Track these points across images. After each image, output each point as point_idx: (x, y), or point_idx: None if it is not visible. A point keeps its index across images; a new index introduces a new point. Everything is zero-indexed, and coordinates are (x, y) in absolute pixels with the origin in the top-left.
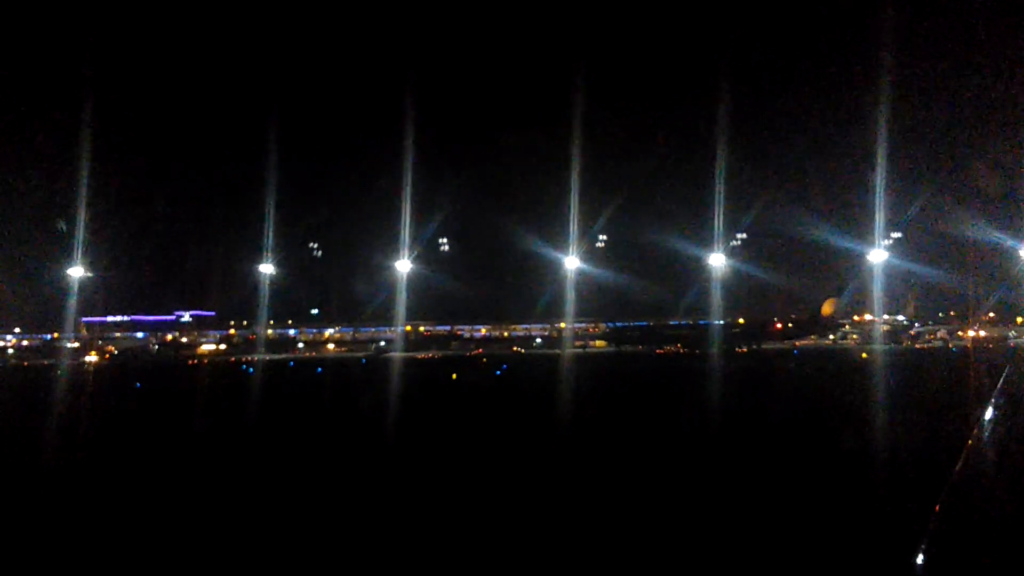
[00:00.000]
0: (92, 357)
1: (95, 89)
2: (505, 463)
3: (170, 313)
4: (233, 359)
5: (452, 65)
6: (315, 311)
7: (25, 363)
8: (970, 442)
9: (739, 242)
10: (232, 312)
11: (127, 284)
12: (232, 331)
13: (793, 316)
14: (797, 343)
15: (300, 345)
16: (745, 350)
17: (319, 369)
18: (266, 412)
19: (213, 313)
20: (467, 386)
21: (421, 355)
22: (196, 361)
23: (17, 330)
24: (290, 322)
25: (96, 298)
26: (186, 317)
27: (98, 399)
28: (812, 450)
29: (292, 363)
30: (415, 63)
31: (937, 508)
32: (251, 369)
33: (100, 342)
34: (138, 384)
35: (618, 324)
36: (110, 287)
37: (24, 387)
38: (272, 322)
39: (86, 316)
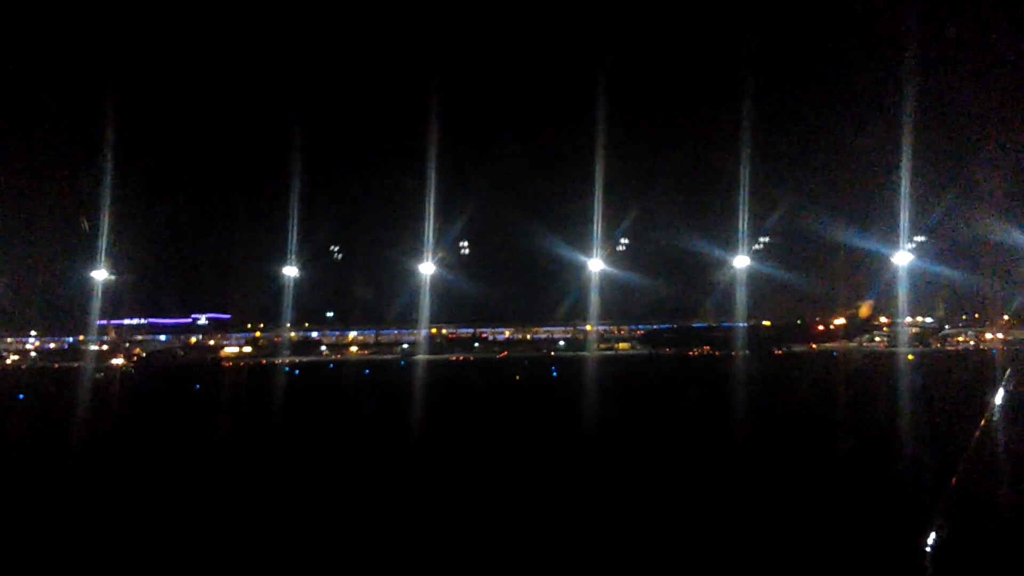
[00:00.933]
0: (119, 360)
1: (117, 91)
2: (592, 463)
3: (187, 316)
4: (265, 361)
5: (475, 67)
6: (330, 314)
7: (55, 366)
8: None
9: (763, 245)
10: (248, 315)
11: (143, 287)
12: (258, 334)
13: (833, 318)
14: (826, 345)
15: (323, 348)
16: (780, 352)
17: (366, 371)
18: (341, 414)
19: (229, 316)
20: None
21: (454, 357)
22: (232, 364)
23: (33, 333)
24: (306, 324)
25: (116, 301)
26: (202, 320)
27: (164, 403)
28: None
29: (332, 365)
30: (437, 64)
31: None
32: (297, 371)
33: (127, 344)
34: (197, 387)
35: (654, 327)
36: (127, 290)
37: (80, 391)
38: (289, 325)
39: (101, 319)
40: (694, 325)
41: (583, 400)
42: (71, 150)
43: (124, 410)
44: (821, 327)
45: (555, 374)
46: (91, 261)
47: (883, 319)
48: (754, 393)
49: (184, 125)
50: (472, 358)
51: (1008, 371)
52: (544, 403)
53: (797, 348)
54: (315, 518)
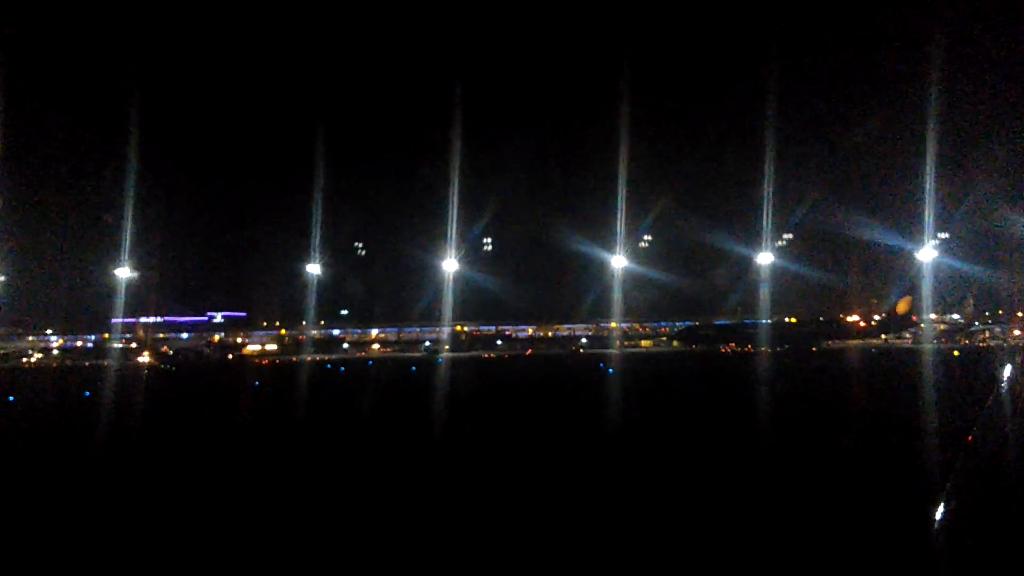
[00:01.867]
0: (145, 357)
1: (140, 90)
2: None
3: (202, 314)
4: (296, 359)
5: (497, 64)
6: (345, 312)
7: (87, 364)
8: None
9: (786, 242)
10: (263, 313)
11: (162, 285)
12: (284, 331)
13: (873, 315)
14: (851, 343)
15: (345, 346)
16: (815, 349)
17: (413, 368)
18: (405, 410)
19: (244, 314)
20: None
21: (488, 355)
22: (267, 361)
23: (49, 331)
24: (321, 322)
25: (134, 299)
26: (218, 318)
27: (230, 400)
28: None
29: (371, 362)
30: (460, 61)
31: None
32: (342, 368)
33: (153, 342)
34: (256, 383)
35: (692, 323)
36: (145, 288)
37: (136, 389)
38: (306, 323)
39: (119, 318)
40: (731, 322)
41: (665, 398)
42: (98, 150)
43: (194, 407)
44: (863, 324)
45: (611, 372)
46: (112, 259)
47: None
48: (841, 391)
49: (206, 123)
50: (506, 355)
51: None
52: (617, 402)
53: (831, 345)
54: (395, 508)
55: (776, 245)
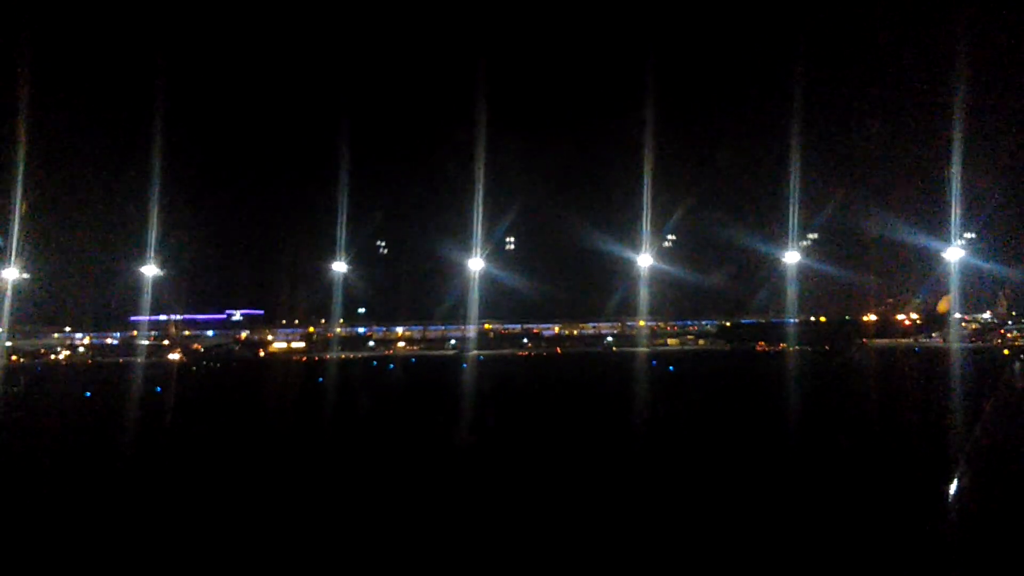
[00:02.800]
0: (175, 355)
1: (163, 90)
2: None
3: (221, 312)
4: (329, 356)
5: (521, 62)
6: (362, 310)
7: (121, 360)
8: None
9: (811, 241)
10: (281, 311)
11: (184, 283)
12: (312, 329)
13: (911, 314)
14: (878, 341)
15: (371, 343)
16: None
17: (463, 365)
18: (465, 408)
19: (262, 312)
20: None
21: (524, 352)
22: (304, 359)
23: (68, 328)
24: (340, 320)
25: (157, 297)
26: (237, 316)
27: (297, 395)
28: None
29: (414, 359)
30: (485, 60)
31: None
32: (391, 365)
33: (183, 340)
34: (320, 379)
35: (738, 321)
36: (168, 286)
37: (195, 388)
38: (325, 321)
39: (141, 316)
40: (775, 320)
41: (732, 396)
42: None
43: (264, 403)
44: (907, 322)
45: (672, 369)
46: (133, 258)
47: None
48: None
49: (229, 121)
50: (542, 352)
51: None
52: (682, 401)
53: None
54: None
55: (802, 244)
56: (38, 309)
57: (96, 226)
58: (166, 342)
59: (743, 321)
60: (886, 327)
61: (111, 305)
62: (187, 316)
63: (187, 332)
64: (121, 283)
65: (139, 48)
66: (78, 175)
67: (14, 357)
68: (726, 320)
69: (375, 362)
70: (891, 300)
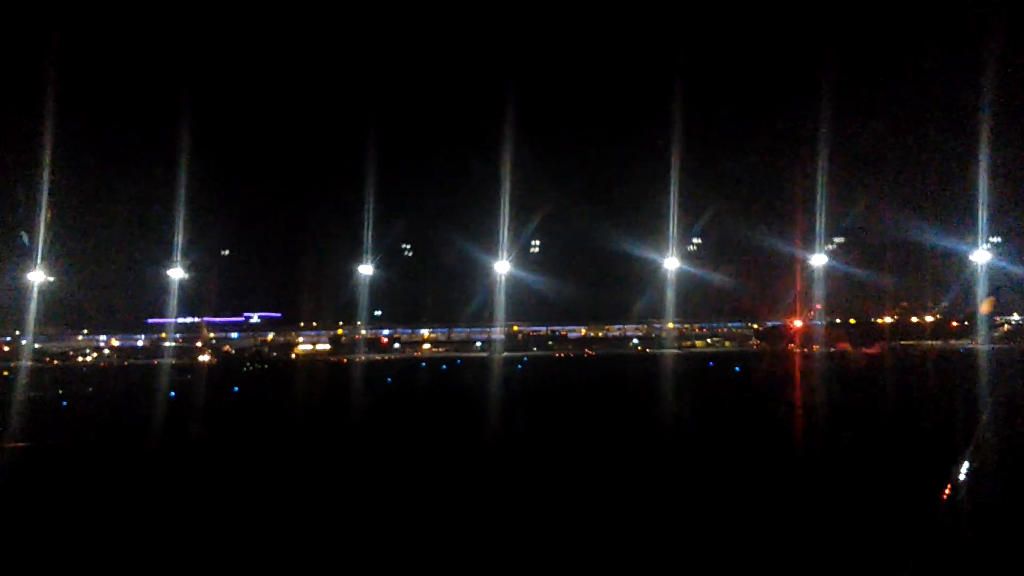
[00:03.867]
0: (205, 356)
1: (188, 92)
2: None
3: (238, 314)
4: (363, 358)
5: (548, 63)
6: (378, 312)
7: (155, 362)
8: None
9: (837, 244)
10: (298, 314)
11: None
12: (340, 331)
13: (960, 315)
14: (904, 343)
15: (396, 345)
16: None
17: (519, 366)
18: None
19: (280, 315)
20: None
21: (560, 353)
22: (347, 360)
23: (86, 331)
24: (357, 322)
25: (177, 299)
26: (254, 319)
27: (357, 395)
28: None
29: (459, 361)
30: (510, 61)
31: None
32: (444, 366)
33: (214, 342)
34: (389, 379)
35: (774, 323)
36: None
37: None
38: (341, 323)
39: (151, 318)
40: (821, 322)
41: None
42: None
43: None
44: (954, 324)
45: (737, 370)
46: (161, 259)
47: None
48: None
49: (251, 123)
50: (571, 354)
51: None
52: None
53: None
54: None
55: (828, 248)
56: (62, 312)
57: (119, 228)
58: (199, 344)
59: (774, 324)
60: (905, 330)
61: (135, 307)
62: (207, 319)
63: (212, 334)
64: (142, 286)
65: (163, 48)
66: (100, 177)
67: (48, 359)
68: (752, 322)
69: (423, 363)
70: (905, 303)
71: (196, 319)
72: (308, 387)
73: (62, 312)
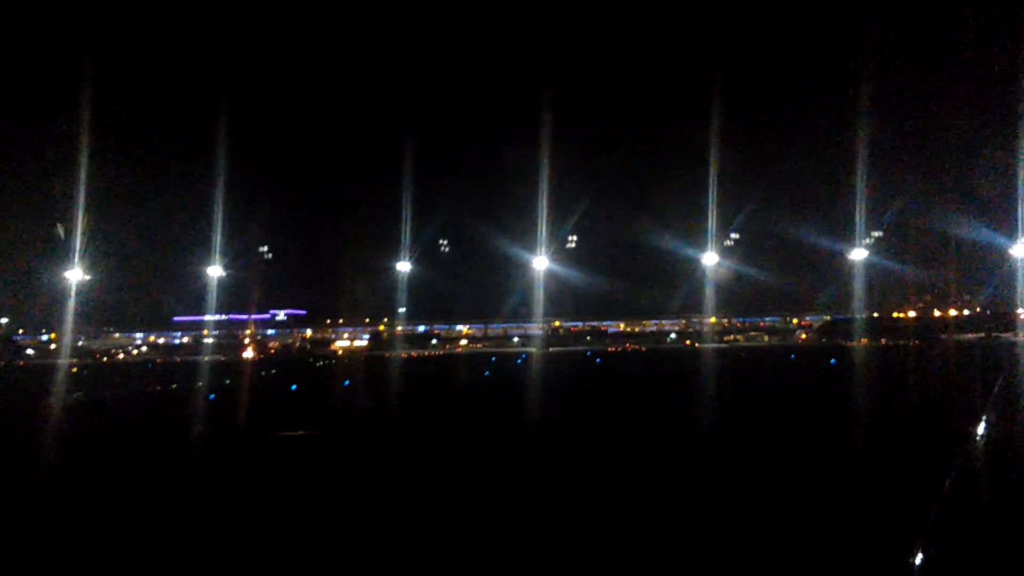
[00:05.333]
0: (249, 353)
1: (225, 91)
2: None
3: (264, 311)
4: (405, 355)
5: (586, 58)
6: (402, 309)
7: (206, 359)
8: None
9: (875, 239)
10: (324, 311)
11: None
12: (382, 327)
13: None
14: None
15: (434, 341)
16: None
17: (598, 360)
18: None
19: (305, 312)
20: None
21: (614, 348)
22: (405, 355)
23: (116, 329)
24: (384, 319)
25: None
26: (281, 316)
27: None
28: None
29: (523, 357)
30: (549, 55)
31: None
32: (519, 360)
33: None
34: (486, 372)
35: (837, 317)
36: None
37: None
38: (367, 320)
39: (176, 316)
40: (875, 316)
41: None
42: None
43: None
44: (950, 318)
45: (833, 362)
46: (192, 258)
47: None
48: None
49: (290, 121)
50: (617, 349)
51: None
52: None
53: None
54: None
55: (866, 242)
56: (95, 310)
57: (151, 227)
58: (247, 341)
59: (839, 318)
60: (959, 323)
61: (159, 305)
62: (232, 316)
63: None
64: (168, 284)
65: (197, 48)
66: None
67: (98, 355)
68: (794, 317)
69: (492, 358)
70: (929, 296)
71: (222, 316)
72: (412, 378)
73: (95, 310)
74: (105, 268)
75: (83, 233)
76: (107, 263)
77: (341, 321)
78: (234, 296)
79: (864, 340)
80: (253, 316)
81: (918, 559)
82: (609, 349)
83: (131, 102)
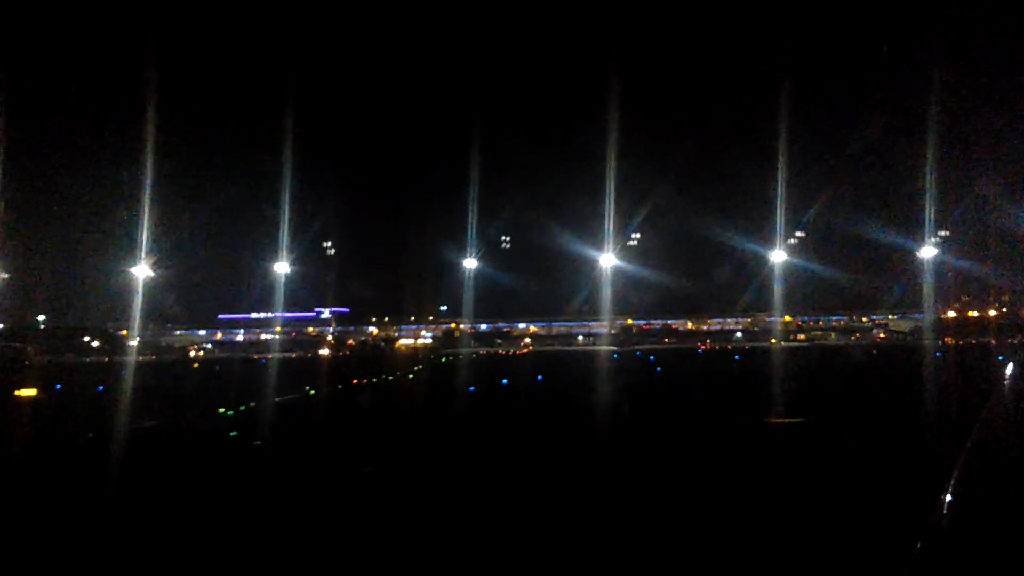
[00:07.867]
0: (325, 350)
1: (293, 87)
2: None
3: (308, 309)
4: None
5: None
6: (444, 308)
7: (293, 355)
8: None
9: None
10: (367, 308)
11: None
12: (455, 325)
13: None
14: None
15: (499, 340)
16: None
17: (737, 356)
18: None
19: (348, 310)
20: None
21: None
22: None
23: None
24: (430, 317)
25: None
26: (325, 314)
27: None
28: None
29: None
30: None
31: None
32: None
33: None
34: (658, 369)
35: (917, 316)
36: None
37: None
38: (413, 319)
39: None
40: (973, 315)
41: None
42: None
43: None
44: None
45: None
46: (269, 255)
47: None
48: None
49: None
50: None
51: None
52: None
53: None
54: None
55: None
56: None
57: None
58: (329, 338)
59: (917, 316)
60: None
61: (204, 303)
62: (278, 314)
63: (311, 329)
64: (217, 281)
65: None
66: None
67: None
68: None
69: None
70: (965, 297)
71: (265, 315)
72: (555, 376)
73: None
74: (167, 265)
75: (149, 230)
76: (171, 260)
77: (411, 319)
78: (271, 295)
79: (949, 339)
80: (298, 315)
81: None
82: (703, 347)
83: (196, 99)
